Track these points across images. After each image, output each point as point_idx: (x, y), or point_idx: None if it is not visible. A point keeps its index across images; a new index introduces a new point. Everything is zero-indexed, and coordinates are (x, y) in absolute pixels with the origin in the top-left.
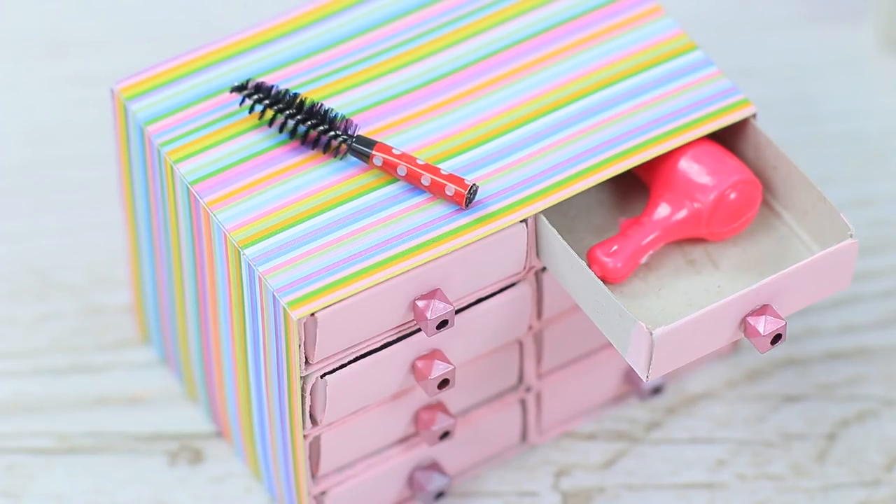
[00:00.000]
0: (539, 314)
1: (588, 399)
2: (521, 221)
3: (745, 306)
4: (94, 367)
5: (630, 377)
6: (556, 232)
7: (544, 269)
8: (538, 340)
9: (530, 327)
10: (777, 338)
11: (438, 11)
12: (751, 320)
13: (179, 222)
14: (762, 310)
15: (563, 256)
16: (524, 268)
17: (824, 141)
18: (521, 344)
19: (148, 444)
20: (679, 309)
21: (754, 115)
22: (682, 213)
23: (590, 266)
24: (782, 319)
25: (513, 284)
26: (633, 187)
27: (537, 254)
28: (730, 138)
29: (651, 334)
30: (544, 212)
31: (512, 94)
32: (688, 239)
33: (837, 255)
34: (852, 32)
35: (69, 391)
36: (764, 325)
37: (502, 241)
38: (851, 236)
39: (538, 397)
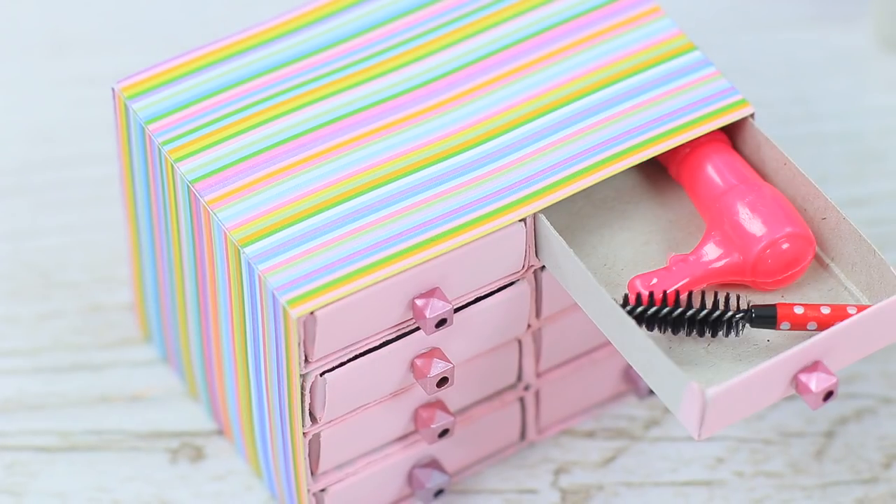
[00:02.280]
0: (538, 313)
1: (587, 397)
2: (521, 220)
3: (797, 363)
4: (95, 366)
5: (629, 376)
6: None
7: (543, 267)
8: (537, 339)
9: (529, 326)
10: (829, 394)
11: (438, 11)
12: (802, 377)
13: (180, 221)
14: (814, 366)
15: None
16: (523, 267)
17: (823, 140)
18: (519, 342)
19: (149, 442)
20: (729, 364)
21: (752, 115)
22: (730, 259)
23: (628, 293)
24: (834, 376)
25: (512, 283)
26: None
27: (536, 253)
28: (728, 138)
29: (704, 394)
30: (543, 211)
31: (511, 93)
32: (735, 287)
33: (888, 309)
34: (851, 32)
35: (70, 389)
36: (816, 383)
37: (501, 239)
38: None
39: (537, 395)
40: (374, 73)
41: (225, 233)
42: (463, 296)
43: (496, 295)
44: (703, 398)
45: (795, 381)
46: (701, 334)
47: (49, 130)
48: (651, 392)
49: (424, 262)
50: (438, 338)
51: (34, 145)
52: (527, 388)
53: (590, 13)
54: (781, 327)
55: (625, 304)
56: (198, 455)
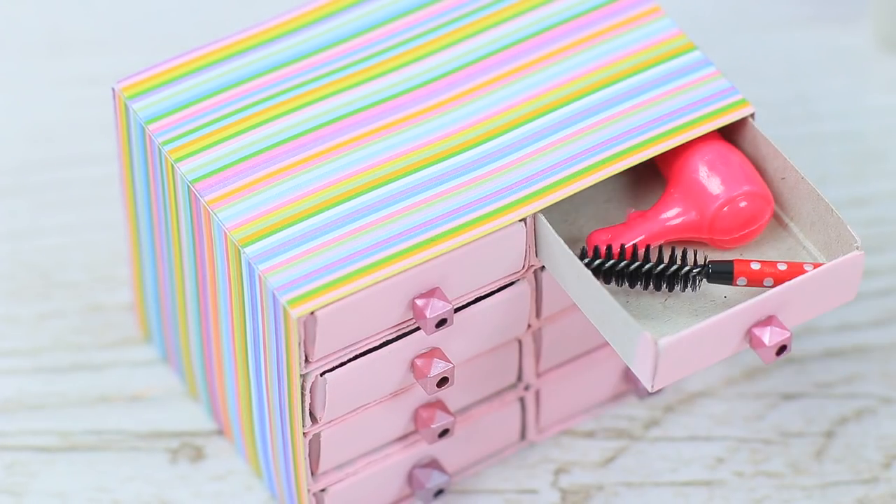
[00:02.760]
0: (538, 313)
1: (587, 397)
2: (521, 220)
3: (751, 317)
4: (95, 366)
5: (629, 376)
6: (554, 232)
7: (543, 267)
8: (537, 339)
9: (529, 326)
10: (782, 349)
11: (438, 11)
12: (756, 331)
13: (180, 221)
14: (767, 321)
15: (563, 259)
16: (523, 267)
17: (822, 140)
18: (520, 342)
19: (149, 442)
20: (685, 319)
21: (752, 115)
22: (687, 217)
23: (586, 246)
24: (787, 331)
25: (512, 283)
26: (644, 183)
27: (536, 253)
28: (728, 138)
29: (656, 344)
30: (543, 211)
31: (511, 93)
32: (694, 245)
33: (843, 267)
34: (850, 32)
35: (70, 389)
36: (769, 337)
37: (501, 239)
38: (858, 248)
39: (537, 395)
40: (374, 73)
41: (225, 233)
42: (463, 296)
43: (496, 295)
44: (655, 348)
45: (749, 335)
46: (658, 288)
47: (49, 130)
48: (651, 392)
49: (425, 262)
50: (438, 338)
51: (34, 145)
52: (527, 388)
53: (590, 13)
54: (738, 283)
55: (583, 256)
56: (198, 455)
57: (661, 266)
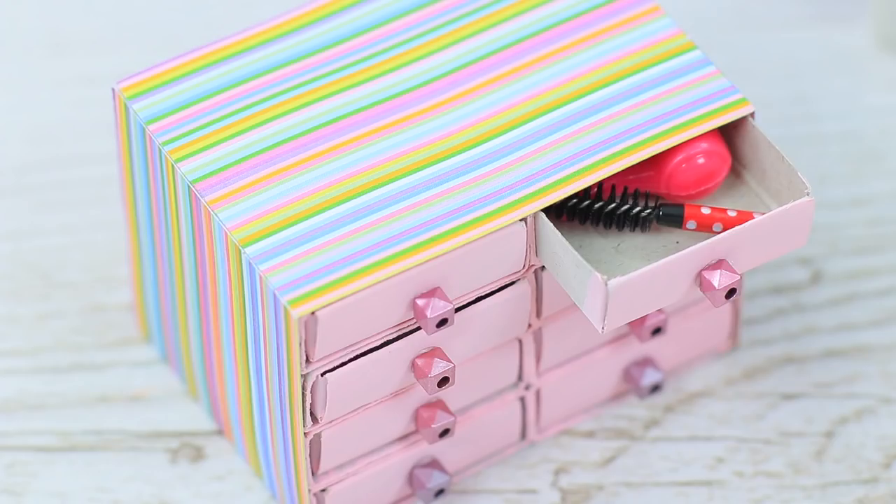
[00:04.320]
0: (538, 312)
1: (587, 397)
2: (521, 220)
3: (701, 261)
4: (95, 366)
5: (629, 375)
6: (558, 232)
7: (544, 267)
8: (538, 338)
9: (530, 325)
10: (731, 292)
11: (438, 11)
12: (706, 274)
13: (180, 221)
14: (717, 264)
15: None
16: (524, 266)
17: (822, 140)
18: (520, 342)
19: (149, 442)
20: (637, 263)
21: (752, 114)
22: (645, 173)
23: None
24: (737, 274)
25: (512, 283)
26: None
27: (536, 252)
28: (728, 137)
29: (606, 285)
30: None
31: (511, 93)
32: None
33: (792, 212)
34: (850, 32)
35: (70, 389)
36: (719, 280)
37: (502, 239)
38: (808, 194)
39: (537, 395)
40: (374, 73)
41: (226, 233)
42: (464, 295)
43: (497, 294)
44: (605, 289)
45: (699, 279)
46: (608, 227)
47: (49, 130)
48: (651, 391)
49: (425, 261)
50: (439, 338)
51: (34, 145)
52: (527, 387)
53: (589, 12)
54: (687, 226)
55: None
56: (198, 455)
57: (613, 205)
